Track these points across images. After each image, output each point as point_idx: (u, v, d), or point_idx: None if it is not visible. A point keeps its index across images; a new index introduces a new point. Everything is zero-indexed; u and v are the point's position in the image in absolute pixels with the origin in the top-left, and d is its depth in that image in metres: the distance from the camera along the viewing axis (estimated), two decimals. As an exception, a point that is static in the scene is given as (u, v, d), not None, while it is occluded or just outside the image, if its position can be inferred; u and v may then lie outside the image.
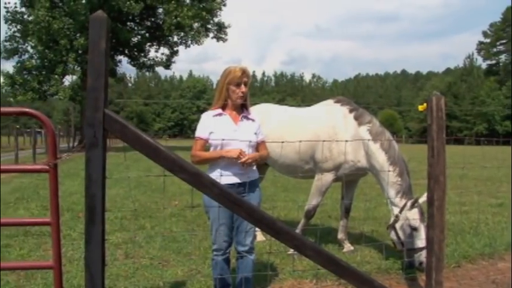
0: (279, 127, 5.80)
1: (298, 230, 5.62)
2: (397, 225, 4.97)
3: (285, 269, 4.88)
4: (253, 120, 3.78)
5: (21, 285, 4.32)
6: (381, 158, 5.21)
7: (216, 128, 3.62)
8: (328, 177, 5.50)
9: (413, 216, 4.83)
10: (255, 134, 3.73)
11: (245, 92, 3.67)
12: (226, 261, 3.77)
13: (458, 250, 5.61)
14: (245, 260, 3.73)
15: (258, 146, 3.78)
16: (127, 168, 16.16)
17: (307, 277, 4.67)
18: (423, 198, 4.73)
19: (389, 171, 5.07)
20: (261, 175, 6.10)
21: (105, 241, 2.45)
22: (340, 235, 5.88)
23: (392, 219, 5.09)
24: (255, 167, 3.77)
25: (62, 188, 9.95)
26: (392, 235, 5.07)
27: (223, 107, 3.72)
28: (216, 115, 3.69)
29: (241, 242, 3.71)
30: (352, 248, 5.73)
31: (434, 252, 3.34)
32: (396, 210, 5.04)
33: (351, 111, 5.57)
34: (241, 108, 3.77)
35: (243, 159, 3.50)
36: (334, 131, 5.45)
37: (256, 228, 3.75)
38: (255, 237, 3.85)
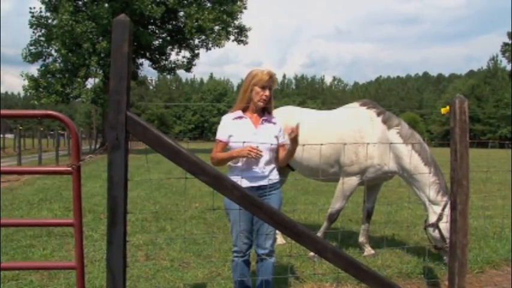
0: (304, 130, 5.76)
1: (319, 233, 5.59)
2: (442, 223, 4.92)
3: (305, 272, 4.86)
4: (274, 123, 3.76)
5: (44, 285, 4.39)
6: (414, 160, 5.18)
7: (236, 131, 3.61)
8: (353, 181, 5.46)
9: None
10: (276, 137, 3.71)
11: (268, 96, 3.64)
12: (247, 263, 3.76)
13: (481, 255, 5.51)
14: (265, 263, 3.72)
15: (280, 149, 3.77)
16: (148, 171, 16.29)
17: (327, 280, 4.64)
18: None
19: (425, 172, 5.07)
20: (282, 178, 6.11)
21: (126, 242, 2.47)
22: (361, 239, 5.84)
23: (434, 217, 5.05)
24: (275, 170, 3.75)
25: (84, 190, 10.09)
26: (436, 233, 5.03)
27: (244, 110, 3.71)
28: (236, 118, 3.68)
29: (261, 245, 3.70)
30: (372, 251, 5.68)
31: (457, 257, 3.29)
32: (438, 209, 5.01)
33: (378, 114, 5.53)
34: (263, 112, 3.75)
35: (254, 153, 3.44)
36: (360, 135, 5.41)
37: (277, 231, 3.74)
38: (275, 240, 3.84)
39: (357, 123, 5.51)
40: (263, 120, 3.71)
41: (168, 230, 6.82)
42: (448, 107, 3.44)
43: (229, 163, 3.67)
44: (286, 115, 5.94)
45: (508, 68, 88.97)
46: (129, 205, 2.54)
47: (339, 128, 5.59)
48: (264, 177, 3.61)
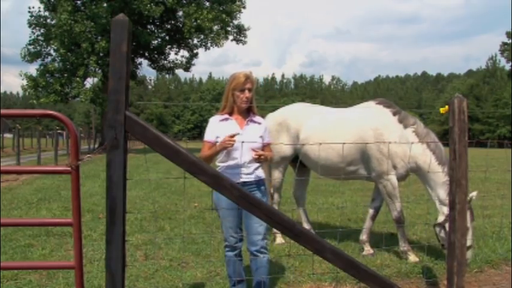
0: (320, 129, 5.76)
1: (403, 242, 5.51)
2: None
3: (304, 271, 4.86)
4: (259, 123, 3.91)
5: (43, 285, 4.38)
6: (429, 159, 5.24)
7: (222, 132, 3.73)
8: (392, 177, 5.43)
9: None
10: (261, 137, 3.85)
11: (249, 97, 3.79)
12: (238, 256, 3.87)
13: (480, 255, 5.50)
14: (258, 260, 3.78)
15: (264, 148, 3.90)
16: (147, 170, 16.29)
17: (326, 280, 4.64)
18: (472, 195, 4.90)
19: (438, 171, 5.13)
20: (306, 177, 6.21)
21: (125, 242, 2.47)
22: (363, 237, 5.80)
23: (443, 218, 5.12)
24: (260, 168, 3.88)
25: (83, 189, 10.08)
26: (443, 234, 5.10)
27: (231, 112, 3.85)
28: (223, 120, 3.84)
29: (252, 241, 3.78)
30: (371, 251, 5.67)
31: (456, 256, 3.29)
32: (447, 210, 5.04)
33: (394, 113, 5.57)
34: (248, 112, 3.89)
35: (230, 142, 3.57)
36: (379, 132, 5.42)
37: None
38: (265, 236, 3.91)
39: (375, 121, 5.52)
40: (248, 121, 3.86)
41: (167, 230, 6.82)
42: (447, 107, 3.44)
43: (217, 163, 3.84)
44: (301, 113, 5.98)
45: (507, 67, 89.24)
46: (128, 205, 2.54)
47: (356, 127, 5.59)
48: (248, 174, 3.77)
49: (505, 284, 4.72)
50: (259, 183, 3.85)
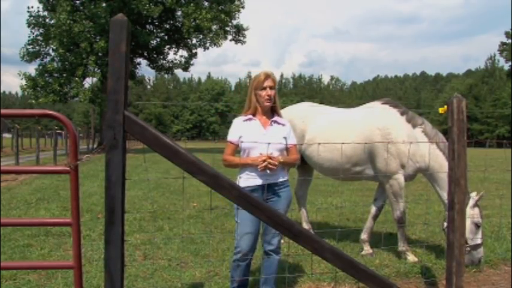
0: (326, 129, 5.76)
1: (402, 242, 5.52)
2: None
3: (303, 271, 4.86)
4: (283, 124, 3.88)
5: (42, 285, 4.38)
6: (439, 158, 5.26)
7: (246, 132, 3.75)
8: (399, 177, 5.41)
9: (476, 213, 4.98)
10: (284, 138, 3.83)
11: (271, 95, 3.77)
12: (248, 265, 3.83)
13: (479, 254, 5.52)
14: (271, 259, 3.81)
15: (288, 150, 3.88)
16: (146, 170, 16.28)
17: (325, 280, 4.64)
18: (477, 196, 5.01)
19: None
20: (308, 177, 6.15)
21: (124, 242, 2.47)
22: (364, 236, 5.79)
23: None
24: (284, 169, 3.88)
25: (82, 189, 10.07)
26: None
27: (254, 113, 3.84)
28: (246, 120, 3.83)
29: (269, 241, 3.79)
30: (370, 251, 5.67)
31: (455, 256, 3.29)
32: None
33: (402, 113, 5.57)
34: (272, 113, 3.88)
35: (264, 163, 3.57)
36: (387, 132, 5.41)
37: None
38: (281, 237, 3.92)
39: (382, 121, 5.52)
40: (272, 121, 3.85)
41: (166, 230, 6.81)
42: (445, 107, 3.45)
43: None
44: (307, 113, 5.98)
45: (506, 67, 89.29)
46: (127, 205, 2.54)
47: (363, 126, 5.59)
48: (272, 176, 3.73)
49: (503, 284, 4.72)
50: (283, 184, 3.83)
